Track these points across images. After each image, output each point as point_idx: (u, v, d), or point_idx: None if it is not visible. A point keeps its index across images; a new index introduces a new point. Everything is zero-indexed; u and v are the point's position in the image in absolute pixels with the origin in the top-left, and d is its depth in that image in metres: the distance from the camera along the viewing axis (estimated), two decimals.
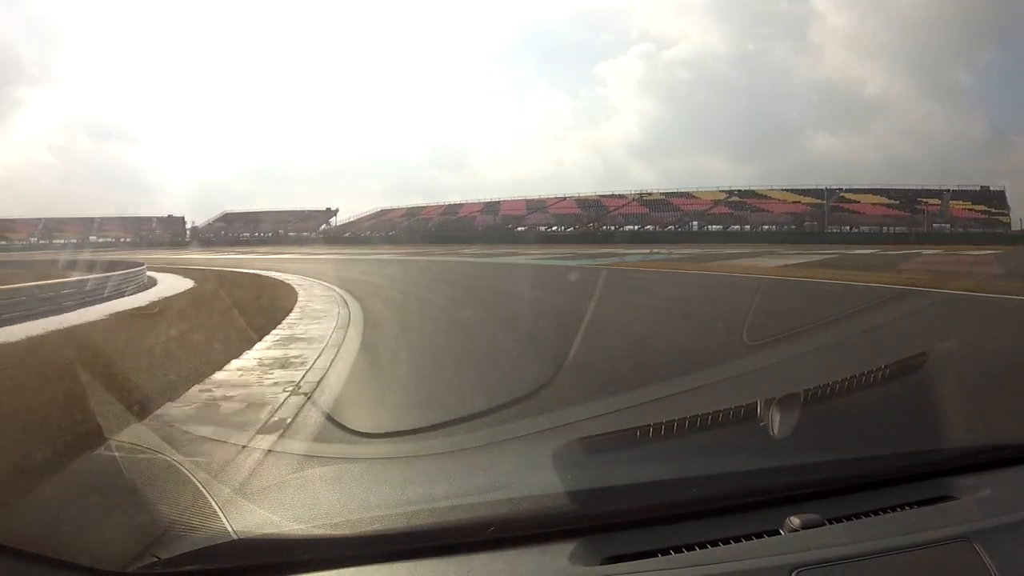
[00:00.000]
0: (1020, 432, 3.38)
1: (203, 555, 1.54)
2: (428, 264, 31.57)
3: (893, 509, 1.80)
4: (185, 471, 3.12)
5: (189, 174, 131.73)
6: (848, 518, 1.74)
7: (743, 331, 6.31)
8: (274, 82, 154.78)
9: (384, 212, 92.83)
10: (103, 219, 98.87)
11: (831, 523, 1.70)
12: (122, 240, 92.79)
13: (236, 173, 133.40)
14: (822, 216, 64.45)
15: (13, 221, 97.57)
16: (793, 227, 63.13)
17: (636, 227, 71.35)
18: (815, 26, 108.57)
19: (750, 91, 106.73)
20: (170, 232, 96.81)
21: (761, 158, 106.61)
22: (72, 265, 26.12)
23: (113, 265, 23.23)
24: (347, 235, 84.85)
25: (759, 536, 1.64)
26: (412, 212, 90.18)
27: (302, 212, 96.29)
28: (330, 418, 4.59)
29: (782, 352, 5.30)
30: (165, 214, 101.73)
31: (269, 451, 3.93)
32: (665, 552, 1.57)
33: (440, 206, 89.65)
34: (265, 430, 4.41)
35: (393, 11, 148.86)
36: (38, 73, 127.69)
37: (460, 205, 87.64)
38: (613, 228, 71.73)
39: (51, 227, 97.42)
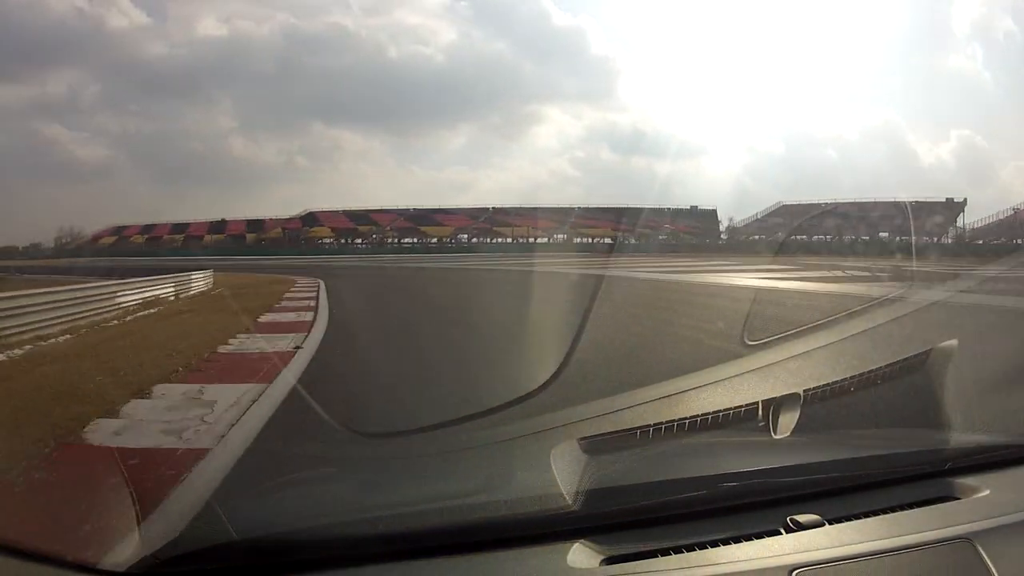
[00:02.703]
0: (1020, 432, 3.37)
1: (203, 555, 1.54)
2: None
3: (893, 509, 1.79)
4: (186, 471, 3.12)
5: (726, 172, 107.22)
6: (848, 518, 1.73)
7: None
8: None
9: None
10: (582, 210, 68.68)
11: (831, 523, 1.70)
12: (599, 241, 64.72)
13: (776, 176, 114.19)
14: None
15: (378, 212, 76.38)
16: None
17: None
18: None
19: None
20: (698, 230, 70.57)
21: None
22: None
23: None
24: (1019, 241, 53.06)
25: (759, 536, 1.64)
26: None
27: (908, 205, 61.76)
28: (331, 418, 4.58)
29: None
30: (687, 205, 72.32)
31: (270, 451, 3.93)
32: (665, 552, 1.57)
33: None
34: None
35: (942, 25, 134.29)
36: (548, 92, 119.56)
37: None
38: None
39: (416, 219, 73.87)
